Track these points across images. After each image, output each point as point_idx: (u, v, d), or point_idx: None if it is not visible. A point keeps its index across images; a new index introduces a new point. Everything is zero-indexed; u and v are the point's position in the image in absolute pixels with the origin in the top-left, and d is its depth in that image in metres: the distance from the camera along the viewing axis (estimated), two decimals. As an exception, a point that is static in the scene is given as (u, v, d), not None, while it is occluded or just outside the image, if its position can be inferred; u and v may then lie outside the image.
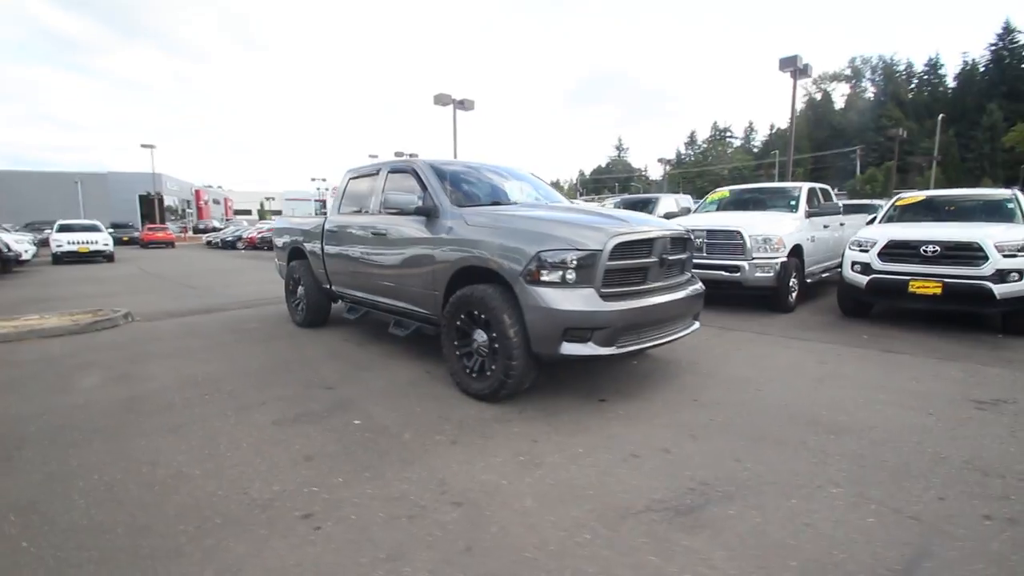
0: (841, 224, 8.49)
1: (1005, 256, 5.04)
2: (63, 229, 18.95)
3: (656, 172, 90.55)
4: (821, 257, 7.80)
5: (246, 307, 7.79)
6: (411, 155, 37.70)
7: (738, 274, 6.57)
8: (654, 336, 3.52)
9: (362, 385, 3.99)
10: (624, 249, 3.31)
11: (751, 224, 6.70)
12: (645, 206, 11.54)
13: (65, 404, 3.63)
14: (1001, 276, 5.03)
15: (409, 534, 2.07)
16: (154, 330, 6.14)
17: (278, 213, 73.90)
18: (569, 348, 3.18)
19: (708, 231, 6.85)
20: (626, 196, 16.56)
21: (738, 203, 8.35)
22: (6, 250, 13.34)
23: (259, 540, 2.04)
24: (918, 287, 5.42)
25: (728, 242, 6.68)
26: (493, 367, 3.46)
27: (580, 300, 3.15)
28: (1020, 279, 4.98)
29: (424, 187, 4.23)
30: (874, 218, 7.71)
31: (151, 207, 43.18)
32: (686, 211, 10.44)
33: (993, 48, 55.23)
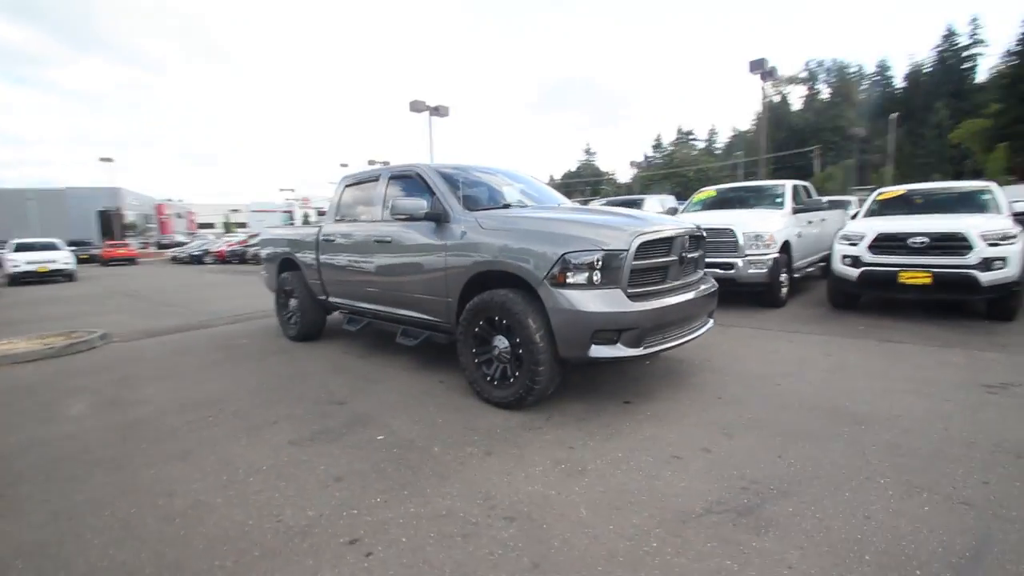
0: (822, 220, 8.73)
1: (989, 245, 5.25)
2: (21, 248, 17.92)
3: (624, 175, 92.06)
4: (806, 252, 7.99)
5: (231, 323, 7.47)
6: (384, 163, 37.29)
7: (732, 271, 6.65)
8: (676, 336, 3.49)
9: (375, 398, 3.84)
10: (648, 248, 3.28)
11: (743, 222, 6.81)
12: (632, 207, 11.64)
13: (54, 434, 3.36)
14: (986, 264, 5.23)
15: (468, 554, 1.96)
16: (136, 351, 5.80)
17: (243, 226, 71.94)
18: (598, 351, 3.12)
19: (701, 230, 6.92)
20: (613, 198, 16.68)
21: (724, 202, 8.49)
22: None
23: (308, 571, 1.90)
24: (908, 278, 5.59)
25: (721, 240, 6.76)
26: (517, 374, 3.37)
27: (608, 301, 3.09)
28: (1004, 267, 5.19)
29: (432, 192, 4.12)
30: (857, 213, 7.94)
31: (111, 223, 41.36)
32: (672, 211, 10.57)
33: (938, 50, 58.28)
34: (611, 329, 3.11)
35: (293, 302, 5.91)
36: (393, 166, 4.77)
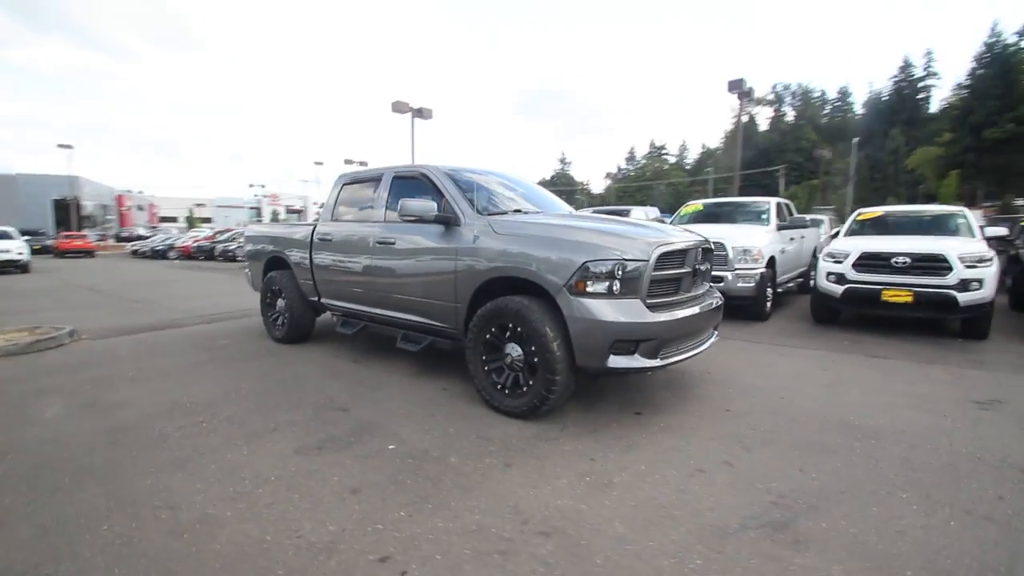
0: (802, 237, 9.02)
1: (967, 267, 5.50)
2: (-30, 236, 16.75)
3: (598, 186, 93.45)
4: (788, 267, 8.23)
5: (207, 322, 7.13)
6: (361, 163, 36.68)
7: (721, 284, 6.76)
8: (688, 347, 3.50)
9: (378, 406, 3.70)
10: (666, 259, 3.28)
11: (733, 236, 6.95)
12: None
13: (31, 439, 3.09)
14: (964, 285, 5.48)
15: (509, 572, 1.88)
16: (108, 349, 5.46)
17: (208, 221, 69.53)
18: (616, 361, 3.09)
19: (692, 243, 7.03)
20: (600, 207, 16.81)
21: (711, 216, 8.65)
22: None
23: (341, 592, 1.78)
24: (891, 296, 5.80)
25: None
26: (531, 382, 3.31)
27: (628, 311, 3.07)
28: (980, 288, 5.45)
29: (440, 194, 4.02)
30: (837, 232, 8.22)
31: (67, 213, 39.13)
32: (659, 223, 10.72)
33: (895, 80, 61.56)
34: (630, 339, 3.09)
35: (281, 303, 5.69)
36: (396, 166, 4.65)
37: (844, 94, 76.63)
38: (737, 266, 6.78)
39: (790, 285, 8.63)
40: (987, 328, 5.74)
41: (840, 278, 6.26)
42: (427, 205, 3.83)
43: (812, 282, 10.20)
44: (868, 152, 60.57)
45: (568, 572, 1.88)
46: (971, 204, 31.70)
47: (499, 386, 3.50)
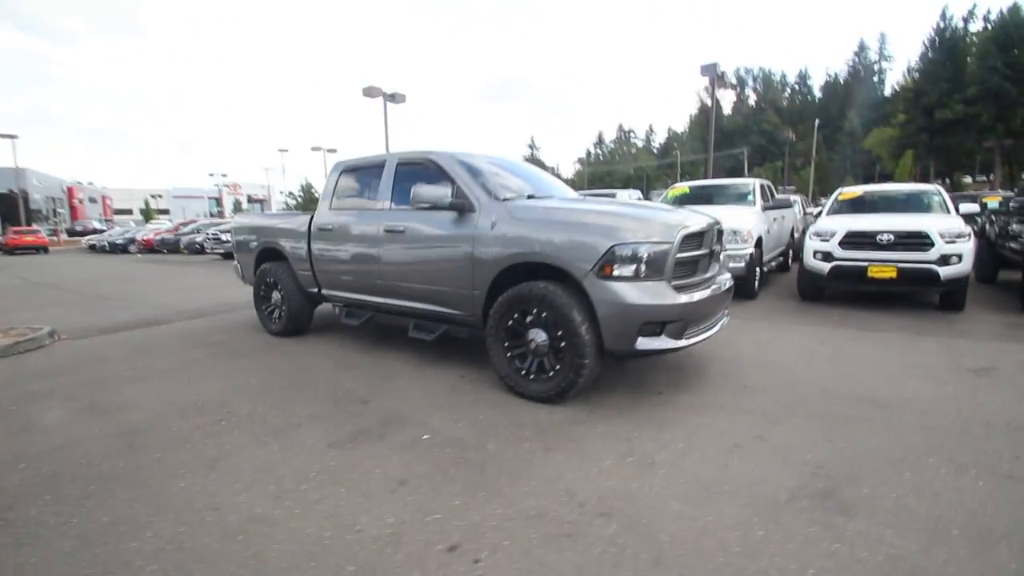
0: (783, 217, 9.28)
1: (947, 242, 5.78)
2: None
3: (567, 170, 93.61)
4: (772, 247, 8.47)
5: (193, 318, 6.85)
6: (329, 150, 35.71)
7: (714, 265, 6.92)
8: (707, 327, 3.57)
9: (399, 395, 3.65)
10: (688, 241, 3.32)
11: (723, 217, 7.03)
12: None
13: (40, 447, 2.92)
14: (944, 260, 5.76)
15: (581, 554, 1.90)
16: (94, 350, 5.19)
17: (165, 212, 66.59)
18: (644, 343, 3.13)
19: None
20: (588, 191, 16.85)
21: (698, 198, 8.79)
22: None
23: (420, 583, 1.77)
24: (876, 272, 6.05)
25: (704, 234, 7.00)
26: (558, 367, 3.32)
27: (655, 293, 3.11)
28: (959, 262, 5.74)
29: (451, 180, 3.95)
30: (820, 211, 8.50)
31: (14, 207, 36.63)
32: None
33: (851, 64, 63.71)
34: (658, 321, 3.13)
35: (276, 295, 5.51)
36: (402, 152, 4.53)
37: (803, 77, 78.63)
38: (728, 247, 6.93)
39: (772, 264, 8.89)
40: (964, 300, 6.07)
41: (827, 256, 6.47)
42: (441, 191, 3.76)
43: (790, 261, 10.63)
44: (826, 134, 62.62)
45: (638, 551, 1.91)
46: (923, 181, 33.27)
47: (523, 372, 3.50)
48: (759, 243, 7.52)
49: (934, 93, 38.77)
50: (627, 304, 3.06)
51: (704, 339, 3.56)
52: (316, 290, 5.15)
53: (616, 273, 3.12)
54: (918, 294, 6.84)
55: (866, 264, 6.13)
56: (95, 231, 33.88)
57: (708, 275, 3.67)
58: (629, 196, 12.29)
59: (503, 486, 2.40)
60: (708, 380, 3.83)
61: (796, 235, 10.81)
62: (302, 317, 5.46)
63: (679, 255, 3.24)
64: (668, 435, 2.90)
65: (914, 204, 7.20)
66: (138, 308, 7.78)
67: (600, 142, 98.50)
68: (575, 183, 73.47)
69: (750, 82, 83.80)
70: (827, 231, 6.58)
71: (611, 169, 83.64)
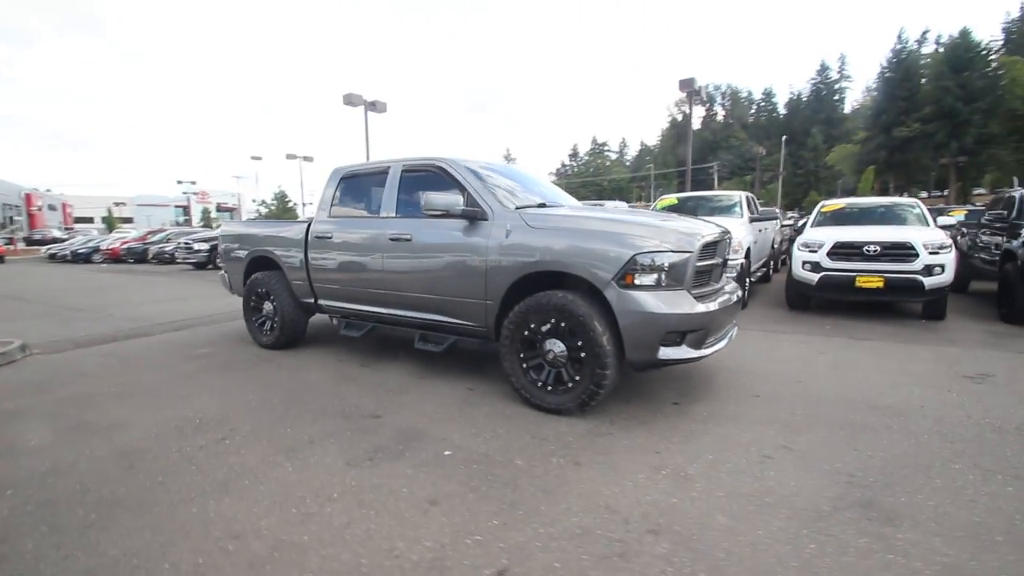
0: (767, 228, 9.50)
1: (930, 253, 5.99)
2: None
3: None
4: (757, 258, 8.65)
5: (174, 330, 6.53)
6: (305, 158, 35.06)
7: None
8: (722, 337, 3.57)
9: (410, 410, 3.52)
10: (706, 250, 3.33)
11: (716, 228, 7.19)
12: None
13: (27, 471, 2.69)
14: (928, 271, 5.97)
15: (638, 574, 1.83)
16: (71, 364, 4.87)
17: (129, 221, 64.12)
18: (666, 352, 3.10)
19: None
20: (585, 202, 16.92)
21: (685, 210, 8.93)
22: None
23: (476, 611, 1.66)
24: (864, 282, 6.22)
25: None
26: (577, 378, 3.26)
27: (677, 303, 3.09)
28: (942, 272, 5.95)
29: (462, 188, 3.87)
30: (806, 222, 8.72)
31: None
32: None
33: (813, 82, 66.35)
34: (679, 331, 3.11)
35: (268, 306, 5.30)
36: (407, 158, 4.43)
37: (768, 95, 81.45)
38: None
39: (757, 274, 9.08)
40: (945, 309, 6.29)
41: (816, 266, 6.63)
42: (453, 199, 3.67)
43: (773, 272, 10.88)
44: (791, 150, 64.95)
45: (696, 569, 1.85)
46: (882, 195, 34.79)
47: (540, 383, 3.42)
48: (748, 254, 7.68)
49: (893, 111, 40.75)
50: (651, 313, 3.03)
51: (719, 349, 3.56)
52: (312, 301, 4.97)
53: (638, 282, 3.09)
54: (901, 304, 7.06)
55: (854, 274, 6.30)
56: (55, 240, 32.30)
57: (719, 285, 3.69)
58: (616, 208, 12.38)
59: (540, 503, 2.32)
60: (719, 390, 3.83)
61: (775, 246, 11.09)
62: (296, 329, 5.26)
63: (700, 264, 3.24)
64: (695, 447, 2.87)
65: (895, 216, 7.46)
66: (111, 320, 7.38)
67: (575, 154, 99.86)
68: (551, 194, 73.83)
69: (719, 98, 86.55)
70: (815, 242, 6.74)
71: (585, 181, 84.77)
